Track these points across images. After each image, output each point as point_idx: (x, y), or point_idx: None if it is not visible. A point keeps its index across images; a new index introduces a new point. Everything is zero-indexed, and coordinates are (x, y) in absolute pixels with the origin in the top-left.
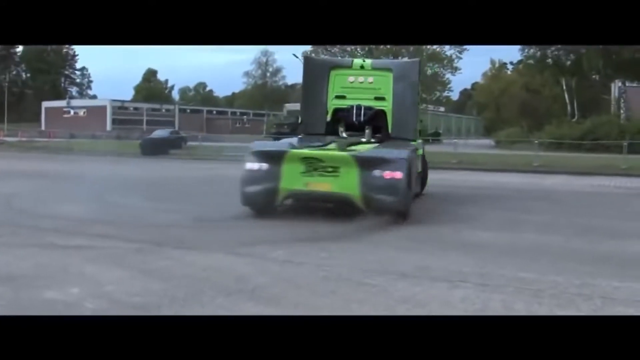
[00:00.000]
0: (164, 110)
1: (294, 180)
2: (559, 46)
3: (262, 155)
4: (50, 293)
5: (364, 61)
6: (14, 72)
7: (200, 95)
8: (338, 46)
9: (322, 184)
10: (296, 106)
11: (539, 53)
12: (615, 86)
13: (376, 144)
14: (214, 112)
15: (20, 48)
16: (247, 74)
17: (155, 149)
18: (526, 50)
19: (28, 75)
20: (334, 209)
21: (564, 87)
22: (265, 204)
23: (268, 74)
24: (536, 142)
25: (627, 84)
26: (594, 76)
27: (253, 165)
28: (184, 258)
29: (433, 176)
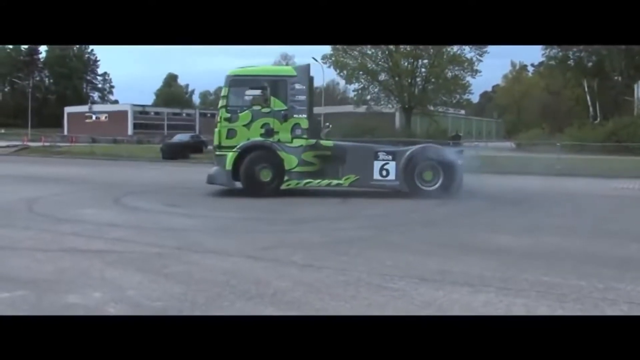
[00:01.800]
0: (184, 115)
1: None
2: (581, 47)
3: None
4: (72, 297)
5: None
6: (37, 78)
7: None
8: (358, 48)
9: None
10: (316, 110)
11: (560, 54)
12: (638, 87)
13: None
14: None
15: (43, 54)
16: None
17: (176, 153)
18: (548, 51)
19: (51, 80)
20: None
21: (586, 89)
22: None
23: None
24: (558, 144)
25: None
26: (616, 77)
27: None
28: (203, 262)
29: None
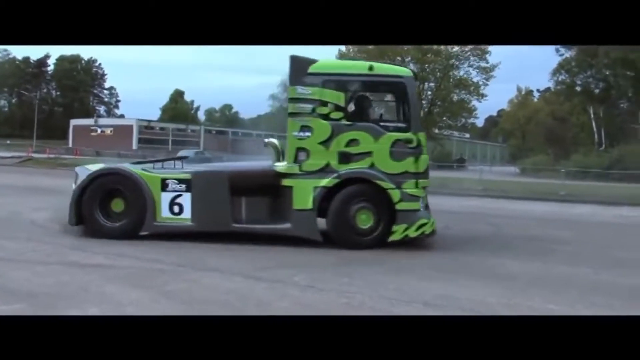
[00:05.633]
0: (189, 131)
1: None
2: (589, 73)
3: None
4: (70, 312)
5: None
6: (45, 90)
7: (225, 117)
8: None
9: None
10: None
11: (568, 80)
12: None
13: None
14: (240, 133)
15: (51, 67)
16: (272, 96)
17: None
18: (556, 76)
19: (58, 93)
20: None
21: (592, 115)
22: None
23: None
24: (562, 170)
25: None
26: (622, 104)
27: None
28: (204, 280)
29: (458, 202)
